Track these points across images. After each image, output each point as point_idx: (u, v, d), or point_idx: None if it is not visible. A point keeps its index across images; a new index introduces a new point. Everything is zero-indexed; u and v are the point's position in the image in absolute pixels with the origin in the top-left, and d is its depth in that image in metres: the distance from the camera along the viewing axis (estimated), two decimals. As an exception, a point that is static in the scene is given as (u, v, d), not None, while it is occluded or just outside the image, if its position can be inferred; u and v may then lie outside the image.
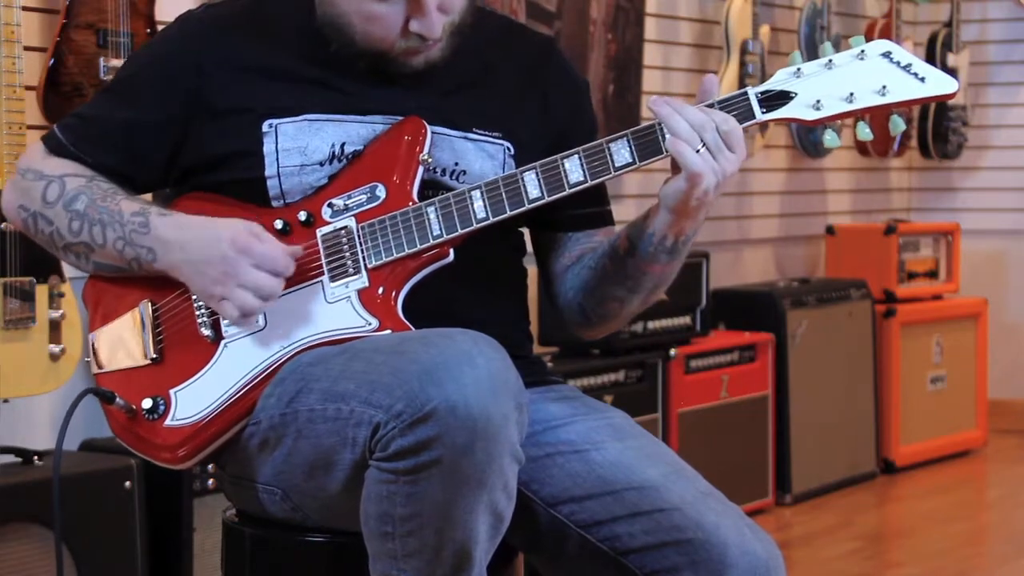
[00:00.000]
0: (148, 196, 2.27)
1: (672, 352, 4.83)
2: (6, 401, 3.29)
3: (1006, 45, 6.83)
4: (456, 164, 2.19)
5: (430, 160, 2.15)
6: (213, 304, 2.10)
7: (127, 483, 3.31)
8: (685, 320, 4.98)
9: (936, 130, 6.51)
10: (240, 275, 2.06)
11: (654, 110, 2.07)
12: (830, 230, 6.12)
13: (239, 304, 2.06)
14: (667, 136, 2.05)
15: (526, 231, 2.32)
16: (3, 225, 3.15)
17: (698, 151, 2.04)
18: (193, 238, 2.10)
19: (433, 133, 2.17)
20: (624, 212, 5.17)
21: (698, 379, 4.94)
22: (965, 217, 6.64)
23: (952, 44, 6.45)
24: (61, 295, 3.27)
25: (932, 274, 6.20)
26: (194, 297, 2.14)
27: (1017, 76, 6.81)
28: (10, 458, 3.28)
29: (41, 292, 3.23)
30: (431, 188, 2.15)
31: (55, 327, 3.27)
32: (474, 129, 2.21)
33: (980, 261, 6.66)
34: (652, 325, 4.83)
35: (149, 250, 2.13)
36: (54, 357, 3.27)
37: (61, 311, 3.27)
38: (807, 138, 5.89)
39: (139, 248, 2.14)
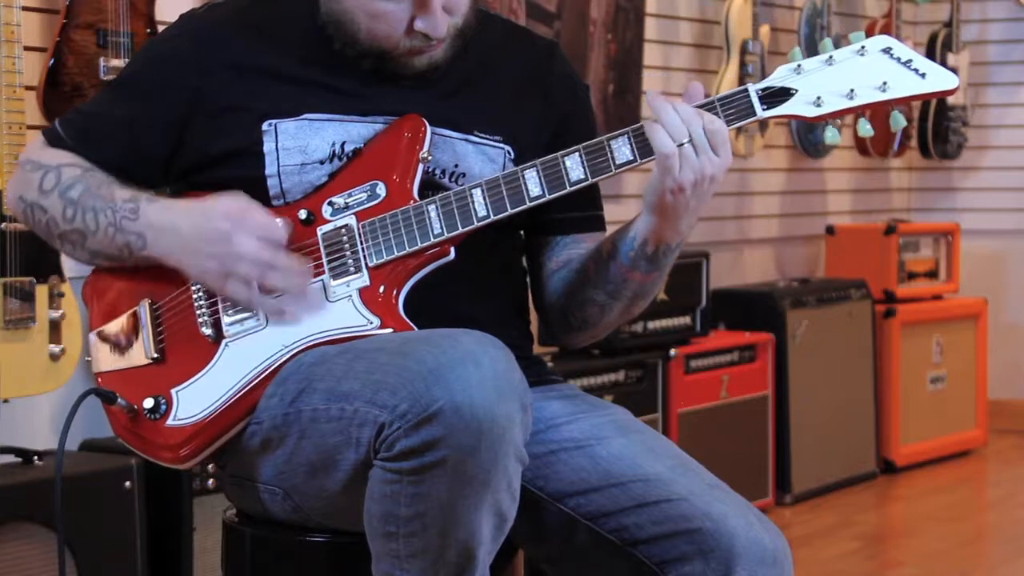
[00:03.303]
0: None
1: (672, 352, 4.83)
2: (6, 401, 3.29)
3: (1006, 45, 6.82)
4: (456, 166, 2.19)
5: (430, 158, 2.15)
6: (216, 283, 2.08)
7: (127, 483, 3.31)
8: (685, 320, 4.98)
9: (936, 130, 6.50)
10: (242, 247, 2.05)
11: (651, 102, 2.07)
12: (830, 230, 6.12)
13: (245, 275, 2.06)
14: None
15: (526, 231, 2.33)
16: (3, 225, 3.15)
17: (682, 145, 2.03)
18: (185, 219, 2.10)
19: (434, 134, 2.17)
20: (624, 212, 5.17)
21: (698, 379, 4.94)
22: (965, 217, 6.64)
23: (952, 44, 6.45)
24: (61, 295, 3.27)
25: (932, 274, 6.20)
26: (195, 296, 2.14)
27: (1017, 76, 6.81)
28: (10, 458, 3.27)
29: (41, 292, 3.23)
30: (430, 189, 2.15)
31: (55, 327, 3.27)
32: (475, 131, 2.20)
33: (980, 261, 6.66)
34: (652, 325, 4.83)
35: (139, 236, 2.13)
36: (54, 357, 3.26)
37: (61, 311, 3.27)
38: (807, 138, 5.89)
39: (129, 234, 2.13)
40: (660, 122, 2.05)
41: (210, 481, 3.43)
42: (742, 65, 5.36)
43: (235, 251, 2.06)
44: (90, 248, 2.19)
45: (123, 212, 2.13)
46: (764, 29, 5.49)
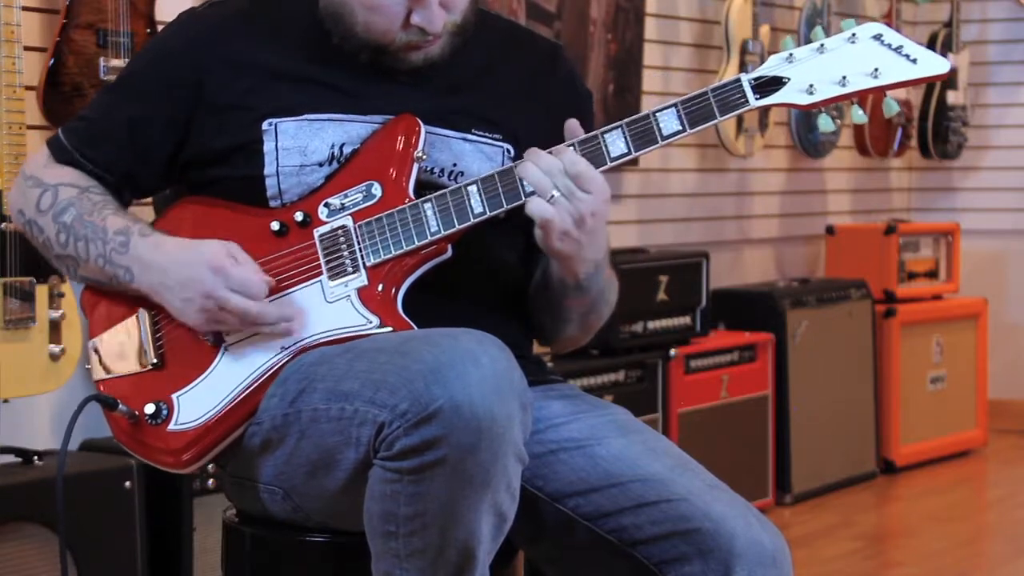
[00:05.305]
0: (148, 200, 2.27)
1: (672, 352, 4.83)
2: (6, 401, 3.29)
3: (1006, 45, 6.83)
4: (455, 165, 2.19)
5: (425, 157, 2.15)
6: (199, 326, 2.10)
7: (127, 483, 3.31)
8: (685, 320, 4.98)
9: (936, 130, 6.50)
10: (225, 301, 2.06)
11: (517, 167, 2.08)
12: (830, 230, 6.12)
13: (231, 326, 2.08)
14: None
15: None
16: (3, 225, 3.15)
17: (552, 197, 2.04)
18: (172, 260, 2.11)
19: (432, 134, 2.17)
20: (624, 212, 5.18)
21: (698, 379, 4.94)
22: (965, 217, 6.64)
23: (952, 44, 6.45)
24: (61, 295, 3.27)
25: (932, 274, 6.20)
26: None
27: (1017, 76, 6.81)
28: (10, 458, 3.27)
29: (41, 292, 3.23)
30: (428, 189, 2.15)
31: (55, 327, 3.27)
32: (473, 130, 2.21)
33: (980, 261, 6.66)
34: (652, 325, 4.82)
35: (127, 270, 2.14)
36: (54, 357, 3.27)
37: (61, 311, 3.27)
38: (807, 138, 5.89)
39: (118, 267, 2.14)
40: (527, 182, 2.06)
41: (210, 481, 3.43)
42: (742, 65, 5.36)
43: (219, 303, 2.07)
44: (81, 274, 2.21)
45: (113, 244, 2.15)
46: (764, 29, 5.49)
